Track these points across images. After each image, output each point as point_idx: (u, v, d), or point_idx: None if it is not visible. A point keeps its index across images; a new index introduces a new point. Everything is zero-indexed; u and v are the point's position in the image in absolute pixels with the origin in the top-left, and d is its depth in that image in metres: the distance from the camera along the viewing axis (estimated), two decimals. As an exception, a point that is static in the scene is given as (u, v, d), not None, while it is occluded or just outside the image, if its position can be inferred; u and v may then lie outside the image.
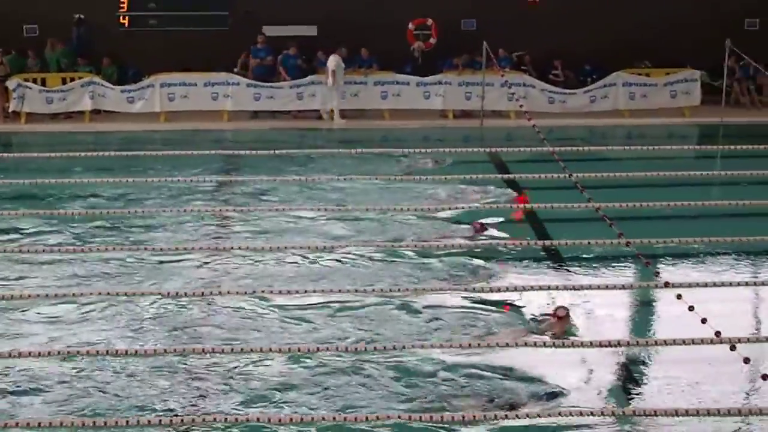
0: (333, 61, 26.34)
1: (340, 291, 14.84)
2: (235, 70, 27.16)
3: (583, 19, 27.32)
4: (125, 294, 14.67)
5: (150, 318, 14.02)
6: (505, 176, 21.69)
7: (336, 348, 13.08)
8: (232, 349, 13.00)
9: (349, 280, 15.38)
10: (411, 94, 26.79)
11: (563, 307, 14.02)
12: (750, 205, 19.23)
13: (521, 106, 23.87)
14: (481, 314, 14.28)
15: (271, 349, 13.00)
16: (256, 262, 16.23)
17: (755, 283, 15.82)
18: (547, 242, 17.42)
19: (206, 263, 16.17)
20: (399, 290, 14.90)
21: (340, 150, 23.41)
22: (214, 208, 19.10)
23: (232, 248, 16.78)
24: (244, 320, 14.05)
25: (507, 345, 13.33)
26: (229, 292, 14.78)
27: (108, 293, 14.66)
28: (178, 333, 13.60)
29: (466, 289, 15.02)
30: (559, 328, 13.74)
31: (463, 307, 14.54)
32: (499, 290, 15.04)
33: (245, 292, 14.73)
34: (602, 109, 26.90)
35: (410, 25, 27.68)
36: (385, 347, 13.06)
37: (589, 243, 17.20)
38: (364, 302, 14.55)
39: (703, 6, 27.61)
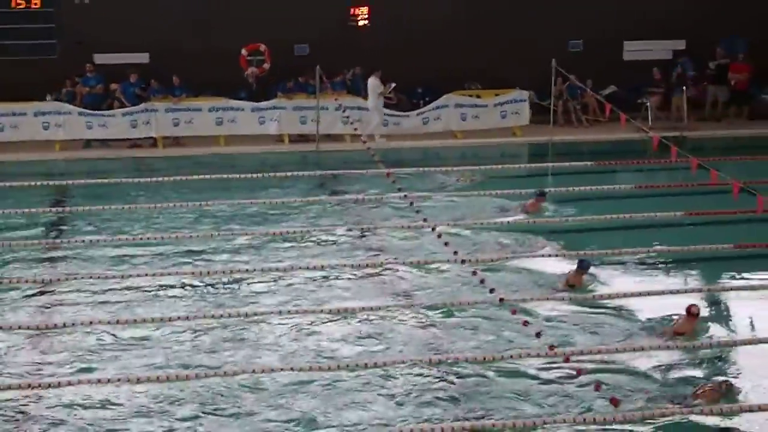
0: (373, 83, 26.57)
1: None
2: (50, 97, 26.55)
3: (414, 42, 27.73)
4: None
5: None
6: (342, 198, 21.89)
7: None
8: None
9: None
10: (246, 120, 26.73)
11: (695, 305, 14.71)
12: (575, 221, 19.97)
13: (356, 129, 24.10)
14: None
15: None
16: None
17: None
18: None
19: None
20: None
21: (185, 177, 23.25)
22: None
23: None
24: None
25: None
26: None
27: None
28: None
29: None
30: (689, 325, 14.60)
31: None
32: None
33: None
34: (435, 130, 27.30)
35: (243, 51, 27.65)
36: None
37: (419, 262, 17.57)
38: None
39: (529, 28, 28.33)
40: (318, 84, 25.85)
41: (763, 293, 16.55)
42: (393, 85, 26.86)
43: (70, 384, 13.10)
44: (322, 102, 26.09)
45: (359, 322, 15.21)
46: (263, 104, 26.75)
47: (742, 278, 17.30)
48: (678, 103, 27.80)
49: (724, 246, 18.43)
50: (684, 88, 27.76)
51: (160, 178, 23.30)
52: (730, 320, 15.60)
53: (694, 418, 12.34)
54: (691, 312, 14.56)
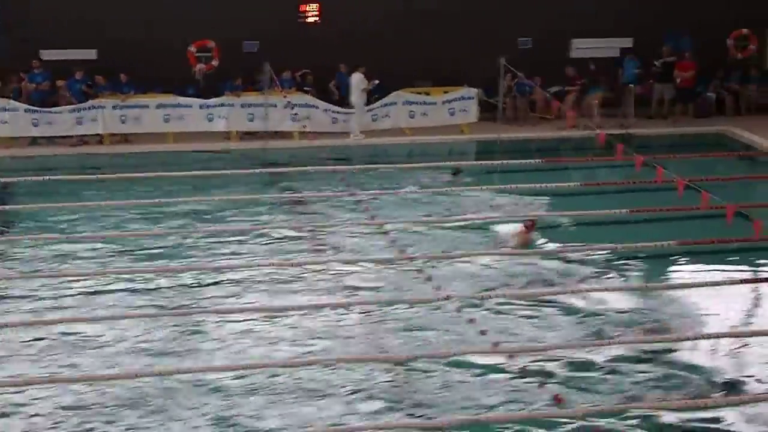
0: (358, 78, 26.66)
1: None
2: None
3: (363, 39, 27.76)
4: None
5: None
6: (290, 196, 21.88)
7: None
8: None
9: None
10: (194, 117, 26.62)
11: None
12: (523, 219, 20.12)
13: (305, 126, 24.09)
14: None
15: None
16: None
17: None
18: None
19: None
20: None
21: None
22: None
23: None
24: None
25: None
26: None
27: None
28: None
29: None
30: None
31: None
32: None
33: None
34: (384, 127, 27.33)
35: (191, 48, 27.56)
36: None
37: (374, 261, 17.65)
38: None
39: (479, 25, 28.45)
40: (267, 81, 25.81)
41: (709, 289, 16.70)
42: (376, 82, 26.91)
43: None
44: (270, 99, 26.03)
45: (304, 320, 15.21)
46: (211, 101, 26.65)
47: (686, 274, 17.50)
48: (589, 102, 27.94)
49: (669, 242, 18.62)
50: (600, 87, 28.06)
51: (107, 176, 23.18)
52: (676, 317, 15.76)
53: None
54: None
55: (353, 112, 26.96)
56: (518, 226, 15.95)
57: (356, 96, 26.83)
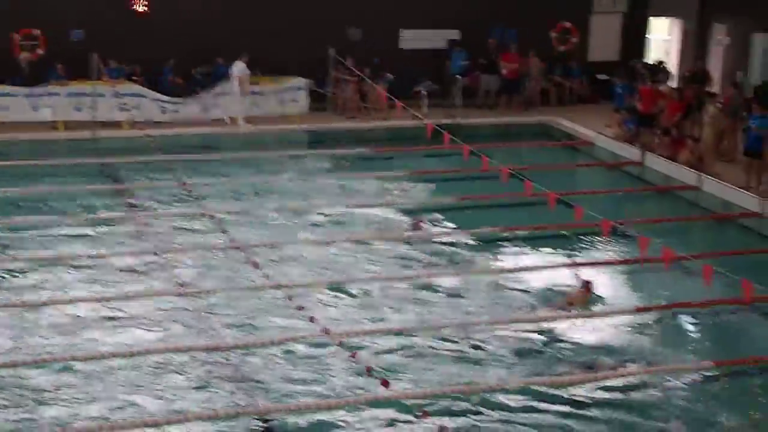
0: (239, 67, 26.20)
1: None
2: None
3: (194, 28, 27.59)
4: None
5: None
6: (120, 187, 21.66)
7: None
8: None
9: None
10: (19, 106, 25.95)
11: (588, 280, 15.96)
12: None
13: (134, 116, 23.81)
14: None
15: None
16: None
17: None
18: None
19: None
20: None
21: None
22: None
23: None
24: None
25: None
26: None
27: None
28: None
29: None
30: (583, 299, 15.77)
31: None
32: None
33: None
34: (215, 117, 27.19)
35: (16, 36, 26.93)
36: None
37: (204, 249, 17.65)
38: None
39: (308, 15, 28.55)
40: (94, 70, 25.38)
41: (531, 273, 17.25)
42: (247, 72, 26.78)
43: None
44: (98, 89, 25.62)
45: (131, 309, 15.16)
46: (36, 90, 26.05)
47: (510, 258, 18.02)
48: (372, 92, 28.32)
49: (494, 228, 19.13)
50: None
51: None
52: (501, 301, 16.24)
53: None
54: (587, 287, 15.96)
55: (181, 102, 26.81)
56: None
57: (236, 84, 26.70)
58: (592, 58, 30.79)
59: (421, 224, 19.38)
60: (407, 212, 20.28)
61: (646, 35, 32.15)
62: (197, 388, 12.97)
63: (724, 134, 24.09)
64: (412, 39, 29.89)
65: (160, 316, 15.01)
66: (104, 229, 18.90)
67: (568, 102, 30.19)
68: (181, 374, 13.25)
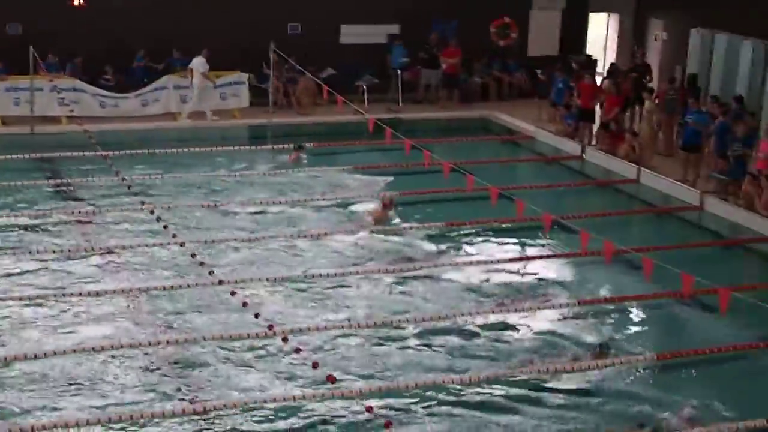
0: (199, 62, 26.19)
1: None
2: None
3: (132, 23, 27.34)
4: None
5: None
6: (58, 182, 21.43)
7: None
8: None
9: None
10: (-45, 101, 25.66)
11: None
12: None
13: (72, 111, 23.55)
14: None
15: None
16: None
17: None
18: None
19: None
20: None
21: None
22: None
23: None
24: None
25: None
26: None
27: None
28: None
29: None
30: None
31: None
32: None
33: None
34: (155, 112, 26.94)
35: (-49, 30, 26.57)
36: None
37: (146, 246, 17.53)
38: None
39: (249, 10, 28.44)
40: (31, 65, 25.05)
41: (474, 268, 17.33)
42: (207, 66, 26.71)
43: None
44: (36, 83, 25.31)
45: (76, 307, 15.04)
46: (-28, 85, 25.72)
47: (454, 253, 18.08)
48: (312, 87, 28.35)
49: (436, 223, 19.20)
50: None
51: None
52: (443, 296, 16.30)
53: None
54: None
55: (126, 97, 26.61)
56: (375, 205, 16.52)
57: (197, 78, 26.55)
58: (532, 53, 30.94)
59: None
60: (344, 205, 20.30)
61: (585, 31, 32.39)
62: (140, 386, 12.90)
63: (660, 128, 24.38)
64: (352, 34, 29.85)
65: (100, 313, 14.90)
66: (41, 223, 18.69)
67: (508, 97, 30.31)
68: (123, 372, 13.17)
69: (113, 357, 13.51)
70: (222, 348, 13.89)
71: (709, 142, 21.79)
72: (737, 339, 14.76)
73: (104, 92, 26.61)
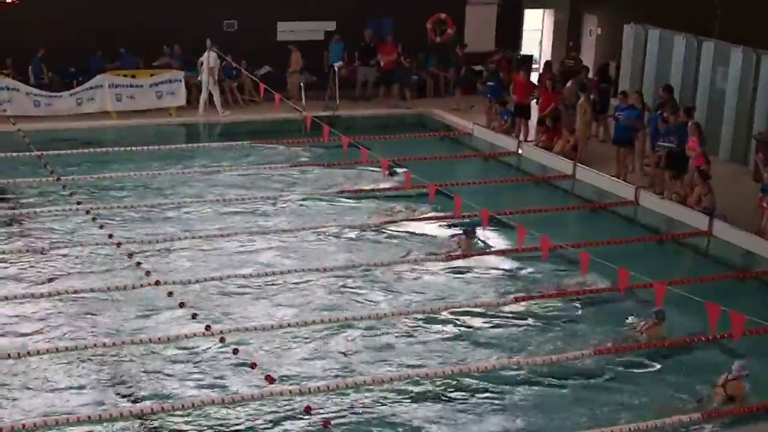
0: (212, 57, 26.44)
1: None
2: None
3: (65, 19, 27.07)
4: None
5: None
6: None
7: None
8: None
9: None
10: None
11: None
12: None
13: (5, 110, 23.28)
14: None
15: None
16: None
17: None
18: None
19: None
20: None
21: None
22: None
23: None
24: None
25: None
26: None
27: None
28: None
29: None
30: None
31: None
32: None
33: None
34: (90, 111, 26.66)
35: None
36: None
37: (81, 244, 17.37)
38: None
39: (185, 7, 28.25)
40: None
41: (410, 265, 17.37)
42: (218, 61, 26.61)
43: None
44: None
45: (11, 310, 14.87)
46: None
47: (393, 250, 18.10)
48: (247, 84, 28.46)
49: (374, 220, 19.22)
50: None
51: None
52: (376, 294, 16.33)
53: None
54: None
55: (55, 95, 26.32)
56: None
57: (206, 73, 26.51)
58: (468, 49, 31.04)
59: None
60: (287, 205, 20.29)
61: (521, 26, 32.56)
62: (78, 389, 12.78)
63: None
64: (289, 31, 29.77)
65: (37, 316, 14.73)
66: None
67: (445, 93, 30.36)
68: (61, 376, 13.04)
69: (48, 360, 13.35)
70: (160, 350, 13.78)
71: (642, 136, 22.21)
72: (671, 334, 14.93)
73: (38, 91, 26.28)
